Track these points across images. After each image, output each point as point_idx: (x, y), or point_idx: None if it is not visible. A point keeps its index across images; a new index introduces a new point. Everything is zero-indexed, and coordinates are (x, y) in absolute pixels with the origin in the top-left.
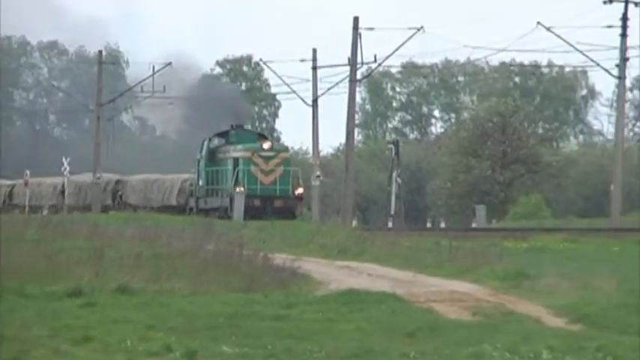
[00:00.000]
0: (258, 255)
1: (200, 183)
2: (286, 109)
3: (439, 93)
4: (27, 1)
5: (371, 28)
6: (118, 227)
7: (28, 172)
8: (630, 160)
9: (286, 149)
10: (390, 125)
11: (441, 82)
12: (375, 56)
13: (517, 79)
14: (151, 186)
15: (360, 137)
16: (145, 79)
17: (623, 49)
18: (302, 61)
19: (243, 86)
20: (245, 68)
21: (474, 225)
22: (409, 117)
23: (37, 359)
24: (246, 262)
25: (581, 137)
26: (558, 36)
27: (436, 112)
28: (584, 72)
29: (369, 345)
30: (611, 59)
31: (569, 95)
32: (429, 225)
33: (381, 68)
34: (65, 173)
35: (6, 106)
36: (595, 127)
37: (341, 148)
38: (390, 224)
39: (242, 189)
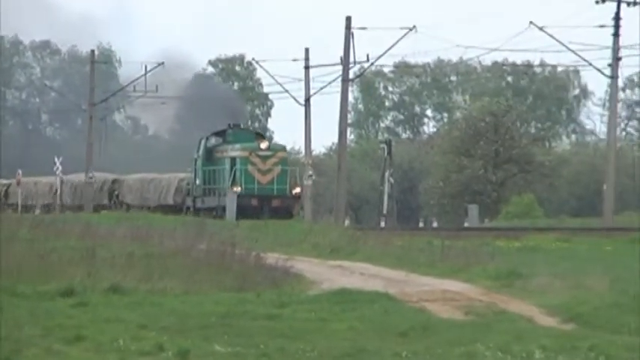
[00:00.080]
0: (250, 254)
1: (197, 182)
2: (279, 108)
3: (432, 92)
4: (19, 0)
5: (363, 28)
6: (110, 227)
7: (20, 172)
8: (623, 159)
9: (283, 148)
10: (382, 125)
11: (434, 81)
12: (367, 56)
13: (509, 79)
14: (148, 185)
15: (352, 137)
16: (137, 79)
17: (616, 48)
18: (294, 60)
19: (236, 86)
20: (237, 68)
21: (466, 224)
22: (402, 116)
23: (29, 359)
24: (238, 261)
25: (573, 137)
26: (551, 35)
27: (429, 112)
28: (577, 71)
29: (362, 344)
30: (604, 59)
31: (562, 95)
32: (421, 224)
33: (373, 68)
34: (58, 173)
35: None
36: (587, 127)
37: (333, 147)
38: (382, 224)
39: (238, 189)
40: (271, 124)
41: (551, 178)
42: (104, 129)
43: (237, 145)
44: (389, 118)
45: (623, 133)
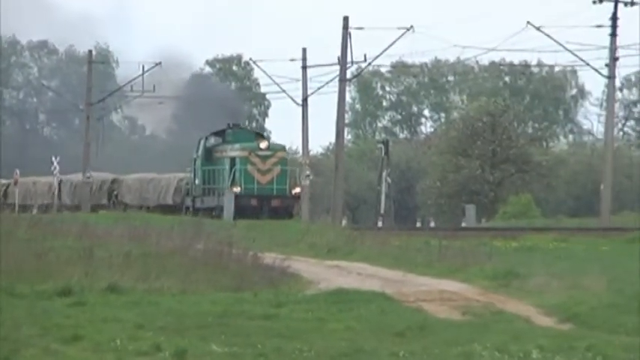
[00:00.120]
0: (247, 254)
1: (196, 182)
2: (276, 108)
3: (429, 92)
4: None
5: (361, 28)
6: (107, 226)
7: (17, 172)
8: (620, 159)
9: (283, 148)
10: (379, 124)
11: (431, 81)
12: (364, 56)
13: (507, 79)
14: (147, 185)
15: (349, 137)
16: (134, 79)
17: (613, 48)
18: (292, 60)
19: (233, 85)
20: (235, 67)
21: (463, 224)
22: (399, 116)
23: (27, 359)
24: (235, 261)
25: (570, 137)
26: (548, 35)
27: (426, 112)
28: (574, 71)
29: (359, 344)
30: (601, 59)
31: (559, 95)
32: (418, 224)
33: (370, 68)
34: (55, 173)
35: None
36: (585, 127)
37: (331, 147)
38: (379, 223)
39: (238, 189)
40: (269, 124)
41: (549, 178)
42: (101, 129)
43: (237, 145)
44: (386, 118)
45: (621, 133)
